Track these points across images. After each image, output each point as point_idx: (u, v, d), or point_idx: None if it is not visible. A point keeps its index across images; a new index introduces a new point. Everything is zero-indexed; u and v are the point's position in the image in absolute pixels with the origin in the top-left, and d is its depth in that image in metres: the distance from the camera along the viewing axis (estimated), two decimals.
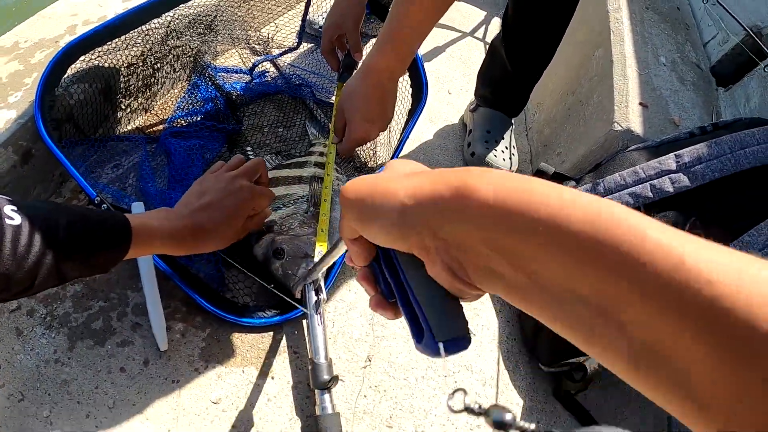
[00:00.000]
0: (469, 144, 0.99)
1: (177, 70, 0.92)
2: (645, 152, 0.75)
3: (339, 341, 0.74)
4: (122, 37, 0.80)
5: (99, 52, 0.78)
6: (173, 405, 0.65)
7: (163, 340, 0.67)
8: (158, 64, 0.89)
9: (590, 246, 0.20)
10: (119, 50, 0.81)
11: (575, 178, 0.81)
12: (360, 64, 0.79)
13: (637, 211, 0.20)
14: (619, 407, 0.77)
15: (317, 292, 0.67)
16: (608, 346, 0.20)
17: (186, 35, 0.89)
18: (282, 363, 0.70)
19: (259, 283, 0.72)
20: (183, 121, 0.88)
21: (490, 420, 0.22)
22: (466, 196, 0.24)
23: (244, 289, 0.73)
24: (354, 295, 0.78)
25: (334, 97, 0.97)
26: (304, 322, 0.73)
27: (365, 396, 0.70)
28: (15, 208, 0.43)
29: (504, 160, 0.96)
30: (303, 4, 1.02)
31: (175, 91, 0.95)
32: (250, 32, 0.97)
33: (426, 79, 0.88)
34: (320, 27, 1.05)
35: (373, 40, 0.81)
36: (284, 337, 0.72)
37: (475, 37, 1.38)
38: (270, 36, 1.00)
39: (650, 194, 0.68)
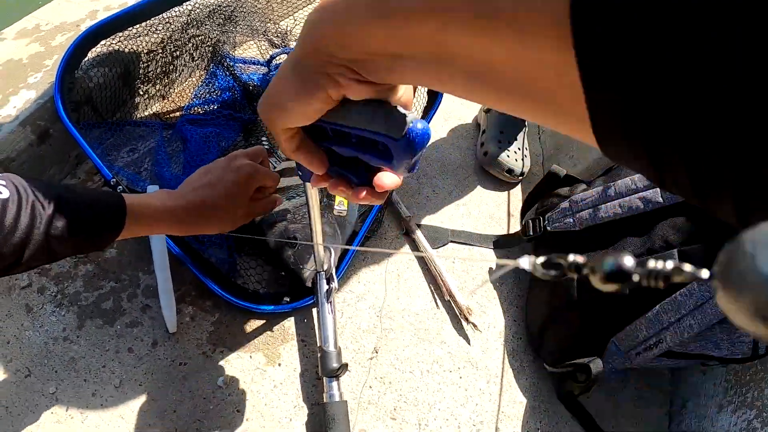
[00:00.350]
0: (482, 143, 0.99)
1: (196, 59, 0.93)
2: None
3: (347, 331, 0.74)
4: (143, 24, 0.80)
5: (120, 37, 0.79)
6: (179, 387, 0.65)
7: (172, 322, 0.68)
8: (177, 52, 0.89)
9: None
10: (140, 36, 0.82)
11: (587, 182, 0.81)
12: None
13: None
14: (619, 408, 0.77)
15: (329, 281, 0.68)
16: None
17: (206, 25, 0.89)
18: (289, 350, 0.71)
19: (271, 269, 0.72)
20: (200, 109, 0.89)
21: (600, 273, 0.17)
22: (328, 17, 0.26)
23: (255, 275, 0.74)
24: (363, 286, 0.78)
25: None
26: (314, 310, 0.74)
27: (371, 387, 0.70)
28: (4, 182, 0.41)
29: (516, 160, 0.96)
30: None
31: (193, 79, 0.96)
32: (269, 24, 0.98)
33: None
34: None
35: None
36: (293, 325, 0.72)
37: None
38: (289, 29, 1.00)
39: (661, 199, 0.68)
